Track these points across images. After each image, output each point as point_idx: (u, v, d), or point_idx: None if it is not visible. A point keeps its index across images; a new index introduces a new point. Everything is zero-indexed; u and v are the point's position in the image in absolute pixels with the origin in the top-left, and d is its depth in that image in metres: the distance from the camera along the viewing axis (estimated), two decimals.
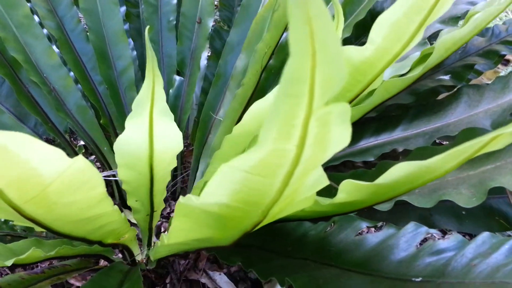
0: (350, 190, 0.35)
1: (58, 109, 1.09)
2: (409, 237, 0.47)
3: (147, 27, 0.71)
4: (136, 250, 1.00)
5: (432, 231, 0.48)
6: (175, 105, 1.23)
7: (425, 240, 0.47)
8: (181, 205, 0.33)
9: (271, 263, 0.55)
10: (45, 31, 1.17)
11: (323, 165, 0.84)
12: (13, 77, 1.10)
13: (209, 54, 1.38)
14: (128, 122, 0.55)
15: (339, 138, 0.28)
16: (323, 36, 0.21)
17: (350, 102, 0.43)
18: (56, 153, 0.36)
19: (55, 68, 1.11)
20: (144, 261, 1.05)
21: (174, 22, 1.27)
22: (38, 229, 0.54)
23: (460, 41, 0.62)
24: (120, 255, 1.09)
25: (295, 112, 0.25)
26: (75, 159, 0.38)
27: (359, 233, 0.52)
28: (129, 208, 1.28)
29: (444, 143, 1.08)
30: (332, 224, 0.56)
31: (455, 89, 0.79)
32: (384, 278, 0.44)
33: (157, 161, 0.58)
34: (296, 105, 0.25)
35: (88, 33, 1.18)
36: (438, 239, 0.45)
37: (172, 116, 0.57)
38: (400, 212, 0.74)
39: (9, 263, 0.48)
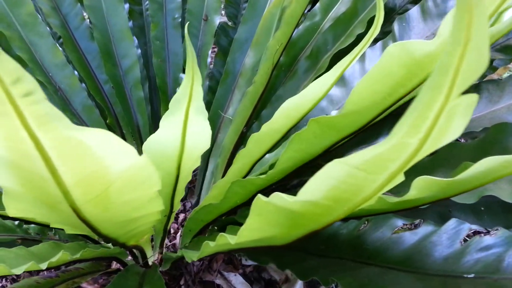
0: (423, 186, 0.34)
1: (64, 109, 1.07)
2: (451, 234, 0.47)
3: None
4: (149, 252, 0.98)
5: (475, 227, 0.48)
6: None
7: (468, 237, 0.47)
8: (262, 203, 0.32)
9: (306, 263, 0.55)
10: (49, 29, 1.14)
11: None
12: None
13: (215, 51, 1.36)
14: (163, 121, 0.54)
15: (455, 130, 0.27)
16: (478, 24, 0.20)
17: (401, 98, 0.42)
18: (128, 149, 0.35)
19: (60, 67, 1.09)
20: (157, 263, 1.04)
21: (180, 20, 1.26)
22: (70, 231, 0.53)
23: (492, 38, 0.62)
24: (129, 257, 1.07)
25: (432, 103, 0.24)
26: (141, 156, 0.36)
27: (395, 231, 0.51)
28: None
29: (461, 140, 1.08)
30: (366, 222, 0.55)
31: (474, 85, 0.79)
32: (432, 276, 0.43)
33: (185, 160, 0.57)
34: (436, 96, 0.23)
35: (92, 31, 1.16)
36: (484, 235, 0.45)
37: (206, 114, 0.56)
38: (417, 210, 0.74)
39: (44, 266, 0.47)
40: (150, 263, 1.01)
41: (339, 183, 0.29)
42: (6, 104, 0.29)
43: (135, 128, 1.21)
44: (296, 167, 0.58)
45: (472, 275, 0.40)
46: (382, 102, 0.43)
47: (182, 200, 1.33)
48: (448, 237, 0.46)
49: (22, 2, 1.04)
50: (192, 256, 0.47)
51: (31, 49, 1.05)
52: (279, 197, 0.31)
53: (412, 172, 0.35)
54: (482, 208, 0.77)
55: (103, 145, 0.33)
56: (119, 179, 0.37)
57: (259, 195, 0.32)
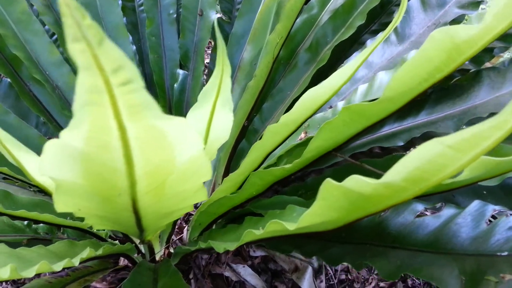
0: (476, 166, 0.35)
1: (62, 107, 1.05)
2: (475, 215, 0.49)
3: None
4: (157, 247, 0.98)
5: (498, 207, 0.50)
6: (180, 99, 1.21)
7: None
8: (332, 186, 0.33)
9: (330, 250, 0.56)
10: (46, 27, 1.12)
11: (350, 151, 0.84)
12: (13, 76, 1.05)
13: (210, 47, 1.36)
14: (190, 114, 0.54)
15: None
16: None
17: (437, 83, 0.43)
18: (196, 139, 0.35)
19: (56, 65, 1.07)
20: (163, 258, 1.04)
21: (175, 15, 1.25)
22: (100, 226, 0.52)
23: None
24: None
25: None
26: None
27: (418, 215, 0.53)
28: None
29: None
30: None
31: (475, 73, 0.81)
32: (464, 255, 0.45)
33: (206, 152, 0.57)
34: None
35: None
36: (511, 214, 0.47)
37: (232, 105, 0.56)
38: (423, 195, 0.76)
39: (76, 262, 0.47)
40: (157, 258, 1.01)
41: (425, 163, 0.30)
42: (103, 94, 0.28)
43: None
44: (319, 156, 0.59)
45: (505, 253, 0.42)
46: (417, 88, 0.44)
47: None
48: (473, 218, 0.48)
49: (15, 0, 1.02)
50: (227, 246, 0.48)
51: (26, 48, 1.03)
52: (356, 180, 0.31)
53: None
54: (485, 192, 0.79)
55: (178, 133, 0.33)
56: (179, 169, 0.37)
57: (329, 179, 0.32)
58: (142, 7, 1.34)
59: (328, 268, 1.49)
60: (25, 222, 0.77)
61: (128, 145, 0.32)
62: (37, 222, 0.79)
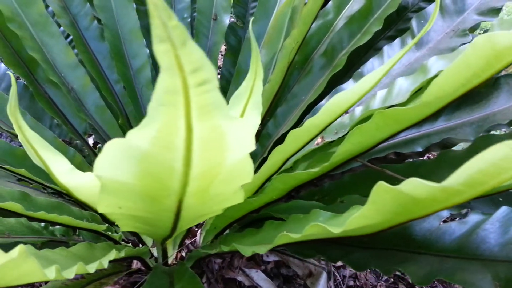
0: None
1: (78, 110, 1.06)
2: (504, 221, 0.48)
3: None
4: (170, 250, 0.98)
5: None
6: None
7: None
8: (384, 189, 0.32)
9: (354, 255, 0.56)
10: (61, 29, 1.13)
11: (367, 156, 0.84)
12: (29, 77, 1.06)
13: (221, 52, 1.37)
14: None
15: None
16: None
17: (473, 88, 0.43)
18: (250, 140, 0.34)
19: (72, 68, 1.07)
20: (175, 261, 1.04)
21: (189, 20, 1.26)
22: (128, 228, 0.52)
23: None
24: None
25: None
26: None
27: (443, 221, 0.53)
28: None
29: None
30: None
31: (493, 80, 0.81)
32: (496, 261, 0.45)
33: None
34: None
35: (102, 31, 1.15)
36: None
37: (261, 109, 0.56)
38: None
39: (105, 264, 0.47)
40: (169, 262, 1.01)
41: (489, 165, 0.29)
42: (179, 94, 0.28)
43: None
44: (344, 160, 0.59)
45: None
46: (454, 93, 0.44)
47: None
48: (501, 224, 0.48)
49: (33, 1, 1.02)
50: (256, 249, 0.48)
51: (43, 49, 1.03)
52: (414, 183, 0.31)
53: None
54: (500, 199, 0.79)
55: (238, 134, 0.33)
56: (226, 170, 0.37)
57: (382, 182, 0.32)
58: None
59: (336, 274, 1.49)
60: (42, 224, 0.77)
61: (191, 145, 0.32)
62: (53, 224, 0.79)
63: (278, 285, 1.04)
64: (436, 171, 0.66)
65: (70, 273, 0.35)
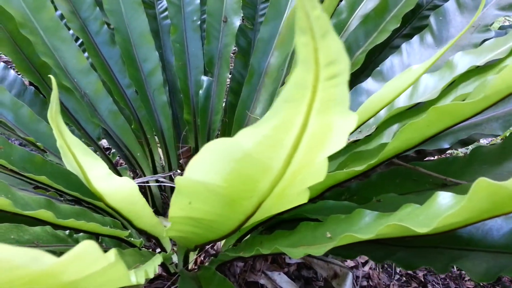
0: None
1: (91, 115, 1.04)
2: None
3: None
4: (192, 255, 0.97)
5: None
6: (206, 106, 1.21)
7: None
8: (485, 185, 0.31)
9: (398, 255, 0.55)
10: (71, 32, 1.11)
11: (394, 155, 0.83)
12: (41, 83, 1.04)
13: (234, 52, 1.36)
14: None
15: None
16: None
17: None
18: (344, 139, 0.33)
19: (84, 73, 1.06)
20: (194, 266, 1.02)
21: (198, 22, 1.25)
22: (189, 234, 0.50)
23: None
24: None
25: None
26: None
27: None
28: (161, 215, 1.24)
29: None
30: None
31: None
32: None
33: None
34: None
35: (112, 36, 1.14)
36: None
37: None
38: None
39: (157, 269, 0.45)
40: (189, 267, 1.00)
41: None
42: (307, 89, 0.27)
43: (159, 133, 1.19)
44: (389, 157, 0.59)
45: None
46: None
47: None
48: None
49: (43, 6, 1.01)
50: (310, 251, 0.47)
51: (55, 55, 1.02)
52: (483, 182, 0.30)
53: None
54: None
55: (340, 130, 0.31)
56: (310, 169, 0.35)
57: (483, 178, 0.31)
58: (163, 14, 1.34)
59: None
60: (67, 232, 0.76)
61: (299, 143, 0.31)
62: (77, 231, 0.78)
63: (299, 287, 1.03)
64: (469, 167, 0.66)
65: (142, 278, 0.34)
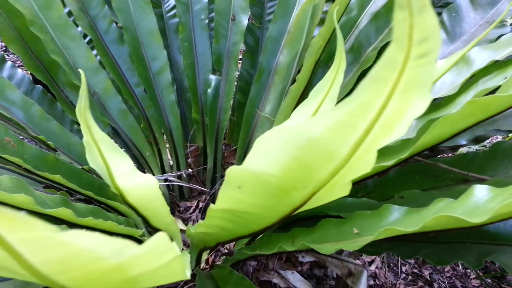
0: None
1: (101, 114, 1.03)
2: None
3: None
4: (204, 255, 0.96)
5: None
6: (214, 105, 1.20)
7: None
8: None
9: (424, 251, 0.54)
10: (79, 29, 1.10)
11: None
12: (50, 82, 1.03)
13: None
14: (296, 111, 0.52)
15: None
16: None
17: None
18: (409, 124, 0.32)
19: (93, 71, 1.05)
20: (207, 265, 1.02)
21: (206, 21, 1.24)
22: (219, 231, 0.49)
23: None
24: None
25: None
26: None
27: None
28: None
29: None
30: None
31: None
32: None
33: None
34: None
35: (120, 34, 1.13)
36: None
37: (335, 103, 0.54)
38: None
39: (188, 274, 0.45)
40: (201, 266, 0.99)
41: None
42: (396, 69, 0.26)
43: (167, 132, 1.18)
44: (417, 152, 0.58)
45: None
46: None
47: (214, 202, 1.31)
48: None
49: (52, 4, 1.00)
50: (342, 246, 0.46)
51: (64, 53, 1.01)
52: None
53: None
54: None
55: (411, 115, 0.30)
56: (363, 159, 0.34)
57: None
58: (170, 13, 1.33)
59: None
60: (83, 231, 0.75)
61: (372, 128, 0.30)
62: (91, 230, 0.77)
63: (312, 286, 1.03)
64: (491, 162, 0.66)
65: (188, 273, 0.34)
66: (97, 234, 0.24)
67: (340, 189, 0.38)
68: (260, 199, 0.40)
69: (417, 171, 0.72)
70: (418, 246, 0.56)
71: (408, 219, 0.45)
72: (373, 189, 0.76)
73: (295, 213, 0.46)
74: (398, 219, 0.47)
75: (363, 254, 1.54)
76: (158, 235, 0.26)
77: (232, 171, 0.35)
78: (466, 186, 0.68)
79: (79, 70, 0.65)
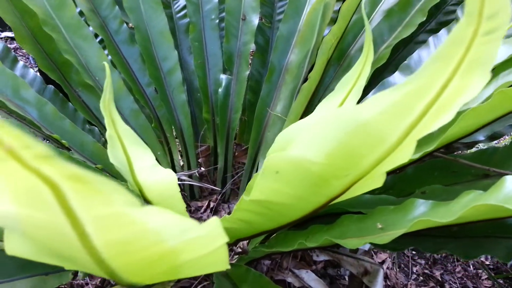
0: None
1: None
2: None
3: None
4: None
5: None
6: (225, 104, 1.20)
7: None
8: None
9: (450, 245, 0.54)
10: (90, 29, 1.10)
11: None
12: (63, 81, 1.03)
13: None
14: (320, 104, 0.52)
15: None
16: None
17: None
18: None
19: (105, 71, 1.05)
20: None
21: (217, 21, 1.24)
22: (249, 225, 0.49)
23: None
24: None
25: None
26: None
27: None
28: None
29: None
30: None
31: None
32: None
33: None
34: None
35: (131, 35, 1.13)
36: None
37: (359, 97, 0.54)
38: None
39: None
40: None
41: None
42: (462, 46, 0.26)
43: (178, 131, 1.18)
44: (443, 145, 0.58)
45: None
46: None
47: (225, 202, 1.30)
48: None
49: (65, 4, 1.00)
50: (372, 240, 0.45)
51: (76, 52, 1.01)
52: None
53: None
54: None
55: (465, 98, 0.29)
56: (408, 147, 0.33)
57: None
58: (179, 14, 1.33)
59: None
60: None
61: (428, 110, 0.29)
62: None
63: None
64: (511, 157, 0.65)
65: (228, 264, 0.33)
66: (168, 213, 0.23)
67: (375, 180, 0.37)
68: (298, 188, 0.39)
69: (436, 167, 0.71)
70: (442, 242, 0.55)
71: (435, 212, 0.45)
72: (391, 186, 0.76)
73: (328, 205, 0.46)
74: (424, 213, 0.47)
75: (373, 254, 1.53)
76: (213, 219, 0.25)
77: (272, 159, 0.34)
78: (488, 181, 0.67)
79: (104, 63, 0.65)
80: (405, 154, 0.33)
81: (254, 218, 0.47)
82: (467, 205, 0.38)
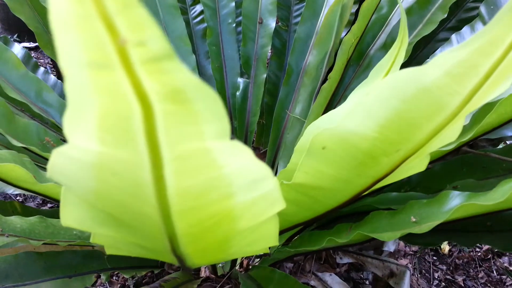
0: None
1: None
2: None
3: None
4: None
5: None
6: (243, 107, 1.19)
7: None
8: None
9: (485, 239, 0.52)
10: None
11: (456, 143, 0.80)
12: None
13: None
14: (353, 92, 0.51)
15: None
16: None
17: None
18: None
19: None
20: (241, 269, 1.00)
21: (234, 25, 1.25)
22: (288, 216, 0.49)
23: None
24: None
25: None
26: None
27: None
28: None
29: None
30: None
31: None
32: None
33: None
34: None
35: None
36: None
37: None
38: None
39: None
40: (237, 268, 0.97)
41: None
42: None
43: None
44: (478, 136, 0.56)
45: None
46: None
47: None
48: None
49: None
50: (409, 231, 0.44)
51: None
52: None
53: None
54: None
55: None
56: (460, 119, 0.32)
57: None
58: (196, 20, 1.34)
59: None
60: None
61: (494, 69, 0.28)
62: None
63: None
64: None
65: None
66: (249, 152, 0.22)
67: (421, 161, 0.36)
68: (343, 168, 0.38)
69: (465, 163, 0.70)
70: (477, 236, 0.54)
71: (475, 201, 0.43)
72: (418, 184, 0.74)
73: (370, 190, 0.44)
74: (461, 204, 0.45)
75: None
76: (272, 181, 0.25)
77: (319, 135, 0.33)
78: None
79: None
80: (456, 129, 0.31)
81: (289, 207, 0.46)
82: (507, 193, 0.36)
